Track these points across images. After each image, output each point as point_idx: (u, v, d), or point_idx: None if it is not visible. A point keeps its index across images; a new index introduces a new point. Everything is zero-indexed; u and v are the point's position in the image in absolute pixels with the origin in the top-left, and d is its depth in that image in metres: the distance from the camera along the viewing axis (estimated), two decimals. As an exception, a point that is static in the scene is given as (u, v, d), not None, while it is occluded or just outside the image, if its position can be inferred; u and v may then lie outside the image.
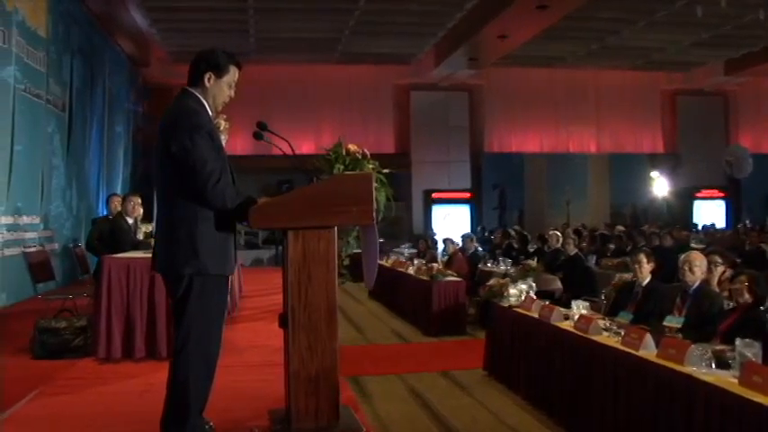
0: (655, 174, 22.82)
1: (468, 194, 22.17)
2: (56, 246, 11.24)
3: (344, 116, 21.91)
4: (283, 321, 3.31)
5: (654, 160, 23.25)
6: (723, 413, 3.53)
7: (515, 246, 13.57)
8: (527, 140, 22.76)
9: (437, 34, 18.14)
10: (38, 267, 7.17)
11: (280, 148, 3.76)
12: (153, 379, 4.56)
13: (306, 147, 22.00)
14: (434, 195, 22.10)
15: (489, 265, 11.59)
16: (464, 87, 21.95)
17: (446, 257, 12.03)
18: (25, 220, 10.30)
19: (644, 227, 16.58)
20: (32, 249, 8.17)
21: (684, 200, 23.20)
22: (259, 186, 22.16)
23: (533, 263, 10.59)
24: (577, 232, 14.59)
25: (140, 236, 7.42)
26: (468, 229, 21.17)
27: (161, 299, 5.70)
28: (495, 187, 22.35)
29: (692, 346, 4.06)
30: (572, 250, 10.41)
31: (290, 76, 21.57)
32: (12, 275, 8.25)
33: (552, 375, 5.57)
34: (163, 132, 3.48)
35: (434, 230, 20.72)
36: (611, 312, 6.30)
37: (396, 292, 12.06)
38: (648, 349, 4.41)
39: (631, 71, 22.29)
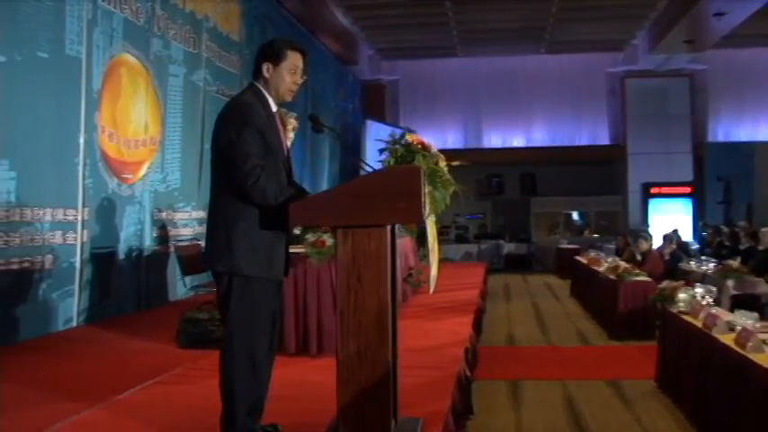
0: None
1: (689, 188, 20.55)
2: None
3: (556, 108, 21.19)
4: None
5: None
6: None
7: (726, 244, 12.35)
8: (758, 128, 20.62)
9: (648, 16, 16.91)
10: (188, 261, 7.50)
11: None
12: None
13: (517, 140, 21.68)
14: (652, 189, 20.73)
15: (692, 264, 10.64)
16: (684, 73, 20.31)
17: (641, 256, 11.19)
18: (218, 215, 10.86)
19: None
20: (184, 243, 8.57)
21: None
22: (471, 179, 22.15)
23: (735, 263, 9.52)
24: (803, 229, 13.01)
25: (297, 231, 7.47)
26: (689, 225, 19.81)
27: (299, 294, 5.73)
28: (719, 179, 20.49)
29: None
30: (784, 250, 9.28)
31: (498, 68, 21.17)
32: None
33: (712, 394, 4.91)
34: (215, 126, 3.42)
35: (650, 225, 19.52)
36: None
37: (589, 292, 11.55)
38: (807, 372, 3.71)
39: None
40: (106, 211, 7.84)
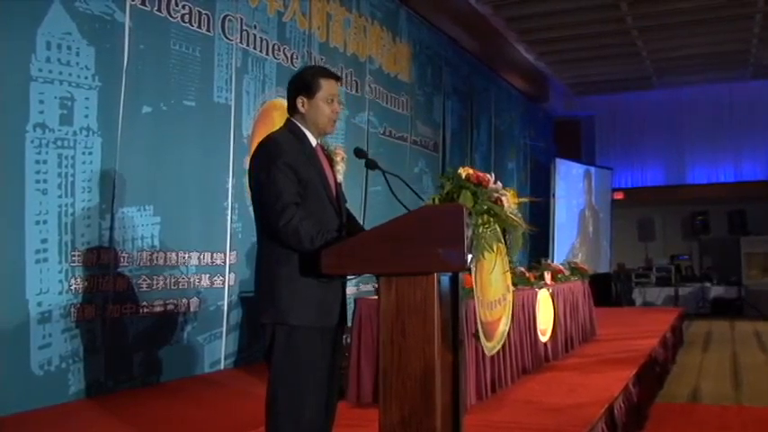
0: None
1: None
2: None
3: (768, 138, 19.42)
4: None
5: None
6: None
7: None
8: None
9: None
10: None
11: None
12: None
13: (724, 175, 19.98)
14: None
15: None
16: None
17: None
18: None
19: None
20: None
21: None
22: (674, 218, 20.77)
23: None
24: None
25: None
26: None
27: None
28: None
29: None
30: None
31: (700, 98, 19.70)
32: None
33: None
34: (248, 166, 3.21)
35: None
36: None
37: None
38: None
39: None
40: (257, 255, 7.90)
